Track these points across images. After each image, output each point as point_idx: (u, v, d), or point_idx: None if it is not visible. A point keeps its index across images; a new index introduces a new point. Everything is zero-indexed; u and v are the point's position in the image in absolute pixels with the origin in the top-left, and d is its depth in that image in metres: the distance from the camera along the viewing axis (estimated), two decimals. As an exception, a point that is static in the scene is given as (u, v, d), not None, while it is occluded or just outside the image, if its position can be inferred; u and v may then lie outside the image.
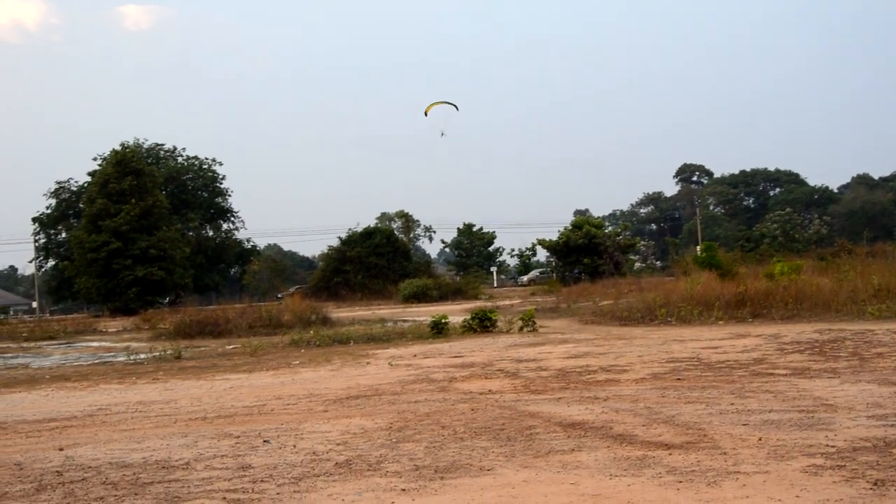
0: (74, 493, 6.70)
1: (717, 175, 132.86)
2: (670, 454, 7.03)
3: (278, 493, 6.40)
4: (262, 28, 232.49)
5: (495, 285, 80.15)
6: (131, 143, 75.36)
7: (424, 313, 36.17)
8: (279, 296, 63.51)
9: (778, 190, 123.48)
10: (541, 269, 78.86)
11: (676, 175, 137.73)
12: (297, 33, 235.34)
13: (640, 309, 25.24)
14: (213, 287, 77.92)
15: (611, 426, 8.36)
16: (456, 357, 16.13)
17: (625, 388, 10.97)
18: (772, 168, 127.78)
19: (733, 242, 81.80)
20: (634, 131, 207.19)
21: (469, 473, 6.76)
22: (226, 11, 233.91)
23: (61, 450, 8.56)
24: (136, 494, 6.55)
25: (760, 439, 7.38)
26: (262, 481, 6.81)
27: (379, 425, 9.10)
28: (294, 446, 8.19)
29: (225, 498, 6.34)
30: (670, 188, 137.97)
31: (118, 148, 67.62)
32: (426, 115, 39.68)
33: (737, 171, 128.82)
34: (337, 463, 7.36)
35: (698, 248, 70.79)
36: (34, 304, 78.57)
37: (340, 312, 38.35)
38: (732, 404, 9.17)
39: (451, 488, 6.34)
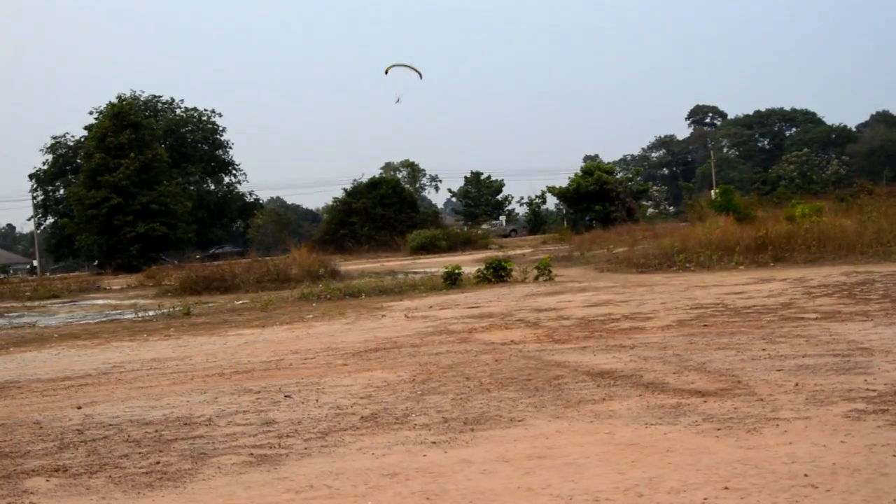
0: (98, 450, 6.72)
1: (730, 116, 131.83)
2: (705, 402, 7.01)
3: (306, 448, 6.40)
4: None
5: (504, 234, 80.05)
6: (128, 95, 74.68)
7: (435, 264, 36.23)
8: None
9: (794, 130, 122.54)
10: (513, 227, 77.71)
11: (689, 117, 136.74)
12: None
13: (656, 255, 25.24)
14: (217, 242, 77.95)
15: (640, 374, 8.34)
16: (473, 308, 16.14)
17: (651, 335, 10.96)
18: (787, 107, 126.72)
19: (749, 185, 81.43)
20: (645, 73, 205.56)
21: (500, 425, 6.75)
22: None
23: (79, 408, 8.59)
24: (160, 451, 6.56)
25: (797, 385, 7.35)
26: (287, 436, 6.82)
27: (401, 378, 9.11)
28: (316, 401, 8.20)
29: (252, 454, 6.34)
30: (682, 131, 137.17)
31: (115, 101, 67.10)
32: (386, 73, 38.44)
33: (751, 112, 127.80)
34: (362, 416, 7.36)
35: (713, 191, 70.61)
36: (35, 263, 78.77)
37: (348, 265, 38.41)
38: (764, 350, 9.14)
39: (482, 440, 6.33)
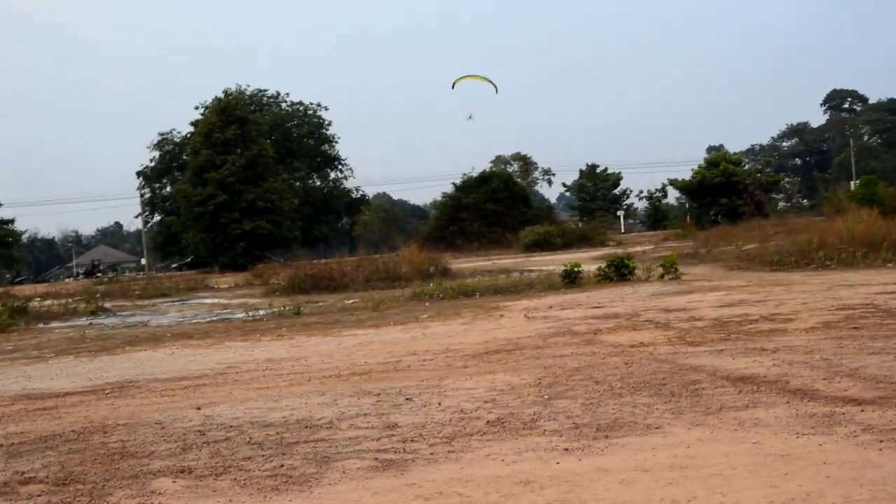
0: (221, 452, 6.92)
1: (871, 101, 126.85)
2: (862, 411, 6.76)
3: (432, 454, 6.44)
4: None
5: (622, 231, 79.14)
6: (234, 89, 76.65)
7: (550, 262, 36.11)
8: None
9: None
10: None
11: (824, 103, 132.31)
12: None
13: (792, 252, 24.57)
14: (323, 239, 79.25)
15: (786, 380, 8.11)
16: (596, 308, 16.00)
17: (794, 338, 10.65)
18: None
19: (893, 176, 78.15)
20: (775, 55, 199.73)
21: (635, 432, 6.67)
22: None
23: (199, 408, 8.87)
24: (283, 454, 6.71)
25: (967, 394, 7.02)
26: (412, 441, 6.88)
27: (526, 381, 9.09)
28: (439, 404, 8.25)
29: (377, 458, 6.42)
30: (817, 118, 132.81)
31: (221, 96, 68.98)
32: (453, 87, 36.32)
33: (895, 96, 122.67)
34: (488, 421, 7.37)
35: (853, 183, 68.17)
36: (143, 261, 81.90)
37: (458, 263, 38.60)
38: (925, 355, 8.77)
39: (618, 448, 6.26)
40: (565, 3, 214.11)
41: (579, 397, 8.09)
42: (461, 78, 36.46)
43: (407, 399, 8.60)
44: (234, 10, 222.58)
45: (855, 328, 11.03)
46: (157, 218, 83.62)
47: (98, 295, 33.92)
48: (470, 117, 37.59)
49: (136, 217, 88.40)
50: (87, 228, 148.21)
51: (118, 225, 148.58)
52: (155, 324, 21.34)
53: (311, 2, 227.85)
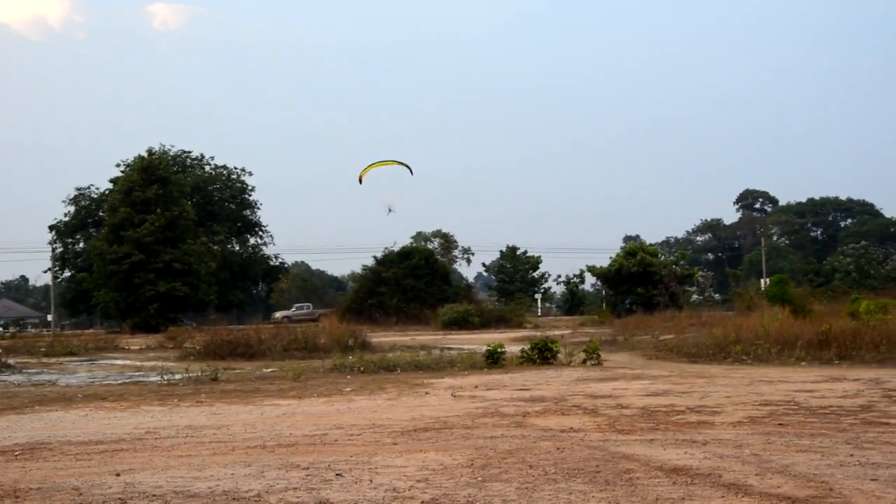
0: (145, 523, 6.62)
1: (782, 203, 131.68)
2: (797, 508, 6.81)
3: (368, 533, 6.27)
4: (292, 29, 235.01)
5: (539, 314, 79.77)
6: (157, 149, 75.87)
7: (467, 341, 36.13)
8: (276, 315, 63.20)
9: (850, 221, 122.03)
10: (298, 305, 72.50)
11: (737, 201, 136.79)
12: (330, 35, 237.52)
13: (709, 345, 25.01)
14: (238, 305, 78.16)
15: (719, 473, 8.14)
16: (522, 390, 15.97)
17: (722, 431, 10.74)
18: (843, 197, 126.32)
19: (801, 276, 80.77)
20: (690, 153, 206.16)
21: (574, 520, 6.59)
22: (255, 11, 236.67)
23: (118, 475, 8.50)
24: (212, 528, 6.45)
25: (898, 497, 7.12)
26: (346, 519, 6.69)
27: (458, 461, 8.95)
28: (370, 481, 8.06)
29: (310, 536, 6.21)
30: (730, 215, 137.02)
31: (144, 154, 68.14)
32: (360, 181, 33.86)
33: (804, 199, 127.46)
34: (423, 502, 7.22)
35: (763, 280, 70.15)
36: (49, 318, 79.40)
37: (377, 337, 38.29)
38: (852, 455, 8.90)
39: (558, 536, 6.16)
40: (494, 93, 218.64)
41: (513, 481, 7.98)
42: (369, 167, 34.01)
43: (337, 474, 8.38)
44: (153, 67, 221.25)
45: (780, 424, 11.17)
46: (67, 273, 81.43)
47: (0, 350, 32.69)
48: (389, 211, 34.84)
49: (45, 272, 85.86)
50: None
51: (24, 279, 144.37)
52: (64, 383, 20.58)
53: (238, 66, 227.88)
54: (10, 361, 27.96)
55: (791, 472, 8.18)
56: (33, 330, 74.80)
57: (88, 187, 78.57)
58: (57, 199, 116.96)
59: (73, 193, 78.17)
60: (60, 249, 79.95)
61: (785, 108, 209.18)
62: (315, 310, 67.66)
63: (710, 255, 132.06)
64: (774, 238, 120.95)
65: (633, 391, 15.40)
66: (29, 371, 25.01)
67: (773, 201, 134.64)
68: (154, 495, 7.58)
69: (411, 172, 34.49)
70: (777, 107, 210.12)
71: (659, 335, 33.67)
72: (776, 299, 37.49)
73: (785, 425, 11.11)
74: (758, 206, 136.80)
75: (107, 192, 74.09)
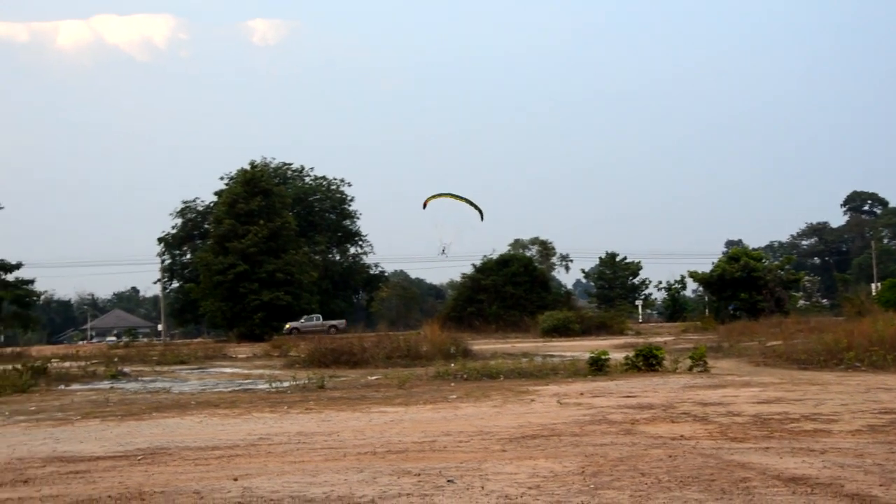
0: (265, 527, 6.76)
1: (892, 204, 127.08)
2: (926, 519, 6.57)
3: (483, 539, 6.28)
4: (389, 39, 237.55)
5: (640, 320, 78.76)
6: (259, 161, 77.63)
7: (569, 348, 35.87)
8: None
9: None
10: (307, 316, 67.74)
11: (844, 204, 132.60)
12: (426, 46, 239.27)
13: (819, 351, 24.28)
14: (340, 314, 79.31)
15: (840, 484, 7.91)
16: (629, 397, 15.78)
17: (840, 440, 10.42)
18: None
19: (915, 280, 77.75)
20: (795, 154, 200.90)
21: (691, 528, 6.48)
22: (352, 22, 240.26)
23: (236, 479, 8.71)
24: (329, 532, 6.55)
25: None
26: (461, 525, 6.72)
27: (569, 469, 8.90)
28: (482, 487, 8.08)
29: (426, 541, 6.26)
30: (836, 218, 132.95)
31: (247, 167, 69.77)
32: (424, 206, 31.46)
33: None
34: (536, 509, 7.20)
35: (874, 285, 67.87)
36: (159, 327, 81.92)
37: (478, 344, 38.32)
38: (981, 464, 8.55)
39: (676, 544, 6.08)
40: (592, 96, 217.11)
41: (626, 489, 7.90)
42: (438, 196, 31.54)
43: (448, 481, 8.43)
44: (256, 78, 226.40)
45: (902, 433, 10.81)
46: (175, 284, 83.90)
47: (116, 359, 33.84)
48: (443, 251, 32.35)
49: (155, 283, 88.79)
50: (104, 292, 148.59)
51: (135, 290, 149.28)
52: (177, 391, 21.19)
53: (337, 77, 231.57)
54: (126, 370, 28.96)
55: (917, 482, 7.89)
56: (145, 339, 77.22)
57: (194, 200, 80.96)
58: (165, 213, 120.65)
59: (179, 206, 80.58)
60: (169, 261, 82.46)
61: (891, 104, 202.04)
62: (325, 321, 67.34)
63: (817, 260, 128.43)
64: (885, 241, 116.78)
65: (743, 398, 15.06)
66: (143, 379, 25.83)
67: (883, 203, 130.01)
68: (272, 500, 7.74)
69: (482, 218, 31.73)
70: (887, 104, 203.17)
71: (766, 341, 32.85)
72: (890, 303, 36.32)
73: (907, 434, 10.73)
74: (866, 208, 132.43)
75: (212, 204, 76.11)
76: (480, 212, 31.52)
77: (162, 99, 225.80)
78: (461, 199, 31.92)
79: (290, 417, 14.34)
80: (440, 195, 31.85)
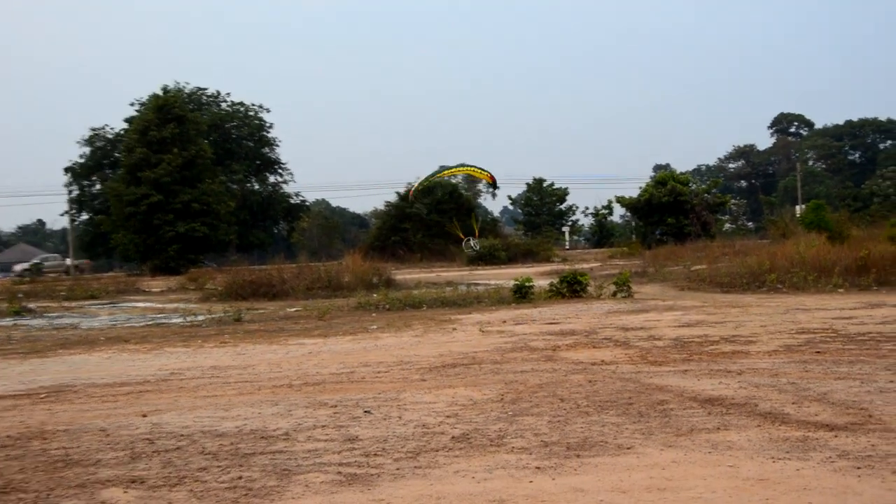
0: (173, 462, 6.73)
1: (818, 126, 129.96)
2: (835, 436, 6.82)
3: (398, 469, 6.34)
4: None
5: (567, 247, 79.65)
6: (172, 87, 75.69)
7: (494, 276, 36.22)
8: None
9: (889, 143, 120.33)
10: (43, 256, 67.53)
11: (771, 126, 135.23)
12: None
13: (742, 274, 24.93)
14: (259, 245, 78.50)
15: (755, 403, 8.16)
16: (551, 324, 16.03)
17: (757, 360, 10.76)
18: (882, 118, 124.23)
19: (838, 202, 79.99)
20: (722, 76, 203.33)
21: (607, 451, 6.63)
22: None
23: (144, 416, 8.64)
24: (240, 466, 6.55)
25: (939, 421, 7.12)
26: (375, 455, 6.77)
27: (488, 397, 9.02)
28: (399, 417, 8.15)
29: (340, 472, 6.30)
30: (763, 141, 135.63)
31: (159, 92, 67.97)
32: (412, 197, 32.31)
33: (841, 122, 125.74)
34: (453, 437, 7.29)
35: (799, 207, 69.62)
36: (68, 261, 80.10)
37: (401, 274, 38.46)
38: (892, 381, 8.90)
39: (591, 467, 6.22)
40: (520, 13, 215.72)
41: (545, 415, 8.04)
42: (425, 182, 32.64)
43: (365, 411, 8.48)
44: (168, 4, 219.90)
45: (817, 352, 11.17)
46: (84, 216, 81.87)
47: (20, 294, 33.13)
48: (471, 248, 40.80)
49: (62, 215, 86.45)
50: (7, 225, 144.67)
51: (41, 222, 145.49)
52: (86, 326, 20.85)
53: (255, 3, 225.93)
54: (31, 306, 28.35)
55: (829, 399, 8.19)
56: (58, 274, 75.44)
57: (103, 127, 78.61)
58: (71, 141, 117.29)
59: (87, 134, 78.23)
60: (77, 192, 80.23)
61: (820, 29, 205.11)
62: (64, 261, 66.63)
63: (744, 183, 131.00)
64: (810, 163, 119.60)
65: (665, 322, 15.42)
66: (50, 315, 25.34)
67: (809, 125, 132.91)
68: (181, 435, 7.70)
69: (495, 191, 33.87)
70: (811, 27, 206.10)
71: (691, 266, 33.58)
72: (812, 226, 37.29)
73: (822, 353, 11.12)
74: (793, 130, 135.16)
75: (122, 132, 74.07)
76: (494, 184, 32.85)
77: (69, 21, 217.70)
78: (473, 170, 33.09)
79: (204, 351, 14.24)
80: (430, 177, 32.81)
